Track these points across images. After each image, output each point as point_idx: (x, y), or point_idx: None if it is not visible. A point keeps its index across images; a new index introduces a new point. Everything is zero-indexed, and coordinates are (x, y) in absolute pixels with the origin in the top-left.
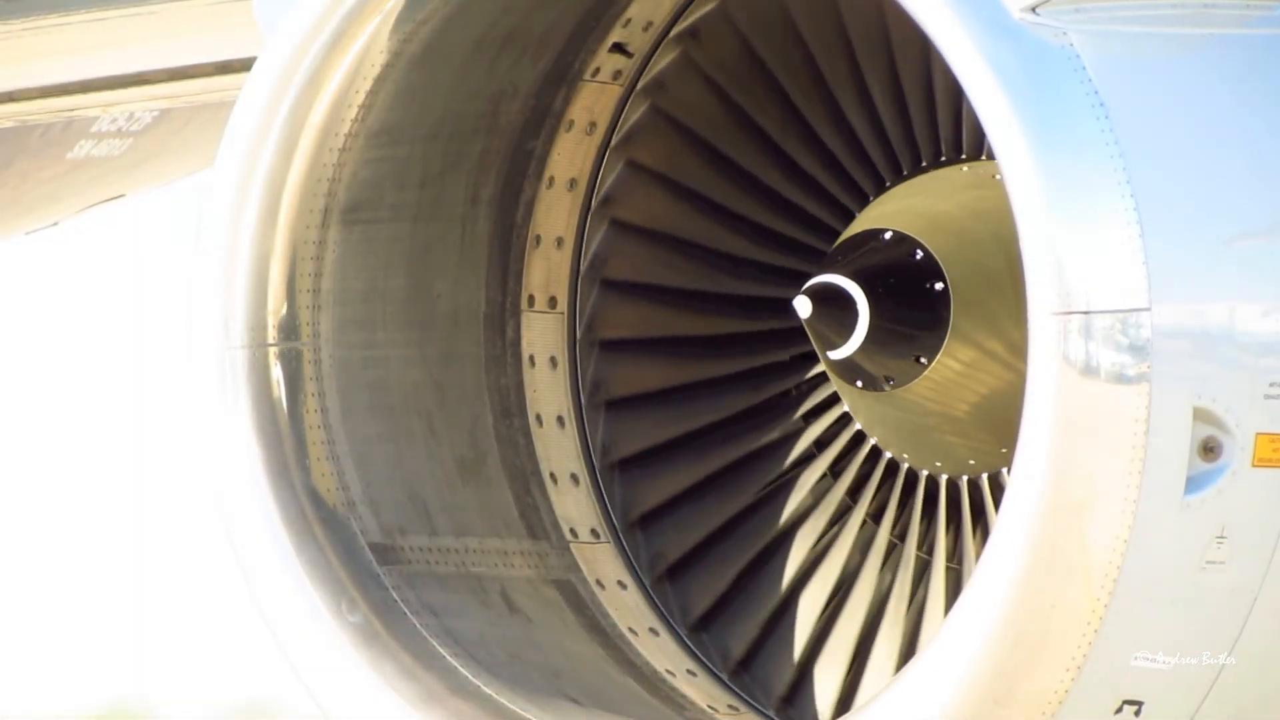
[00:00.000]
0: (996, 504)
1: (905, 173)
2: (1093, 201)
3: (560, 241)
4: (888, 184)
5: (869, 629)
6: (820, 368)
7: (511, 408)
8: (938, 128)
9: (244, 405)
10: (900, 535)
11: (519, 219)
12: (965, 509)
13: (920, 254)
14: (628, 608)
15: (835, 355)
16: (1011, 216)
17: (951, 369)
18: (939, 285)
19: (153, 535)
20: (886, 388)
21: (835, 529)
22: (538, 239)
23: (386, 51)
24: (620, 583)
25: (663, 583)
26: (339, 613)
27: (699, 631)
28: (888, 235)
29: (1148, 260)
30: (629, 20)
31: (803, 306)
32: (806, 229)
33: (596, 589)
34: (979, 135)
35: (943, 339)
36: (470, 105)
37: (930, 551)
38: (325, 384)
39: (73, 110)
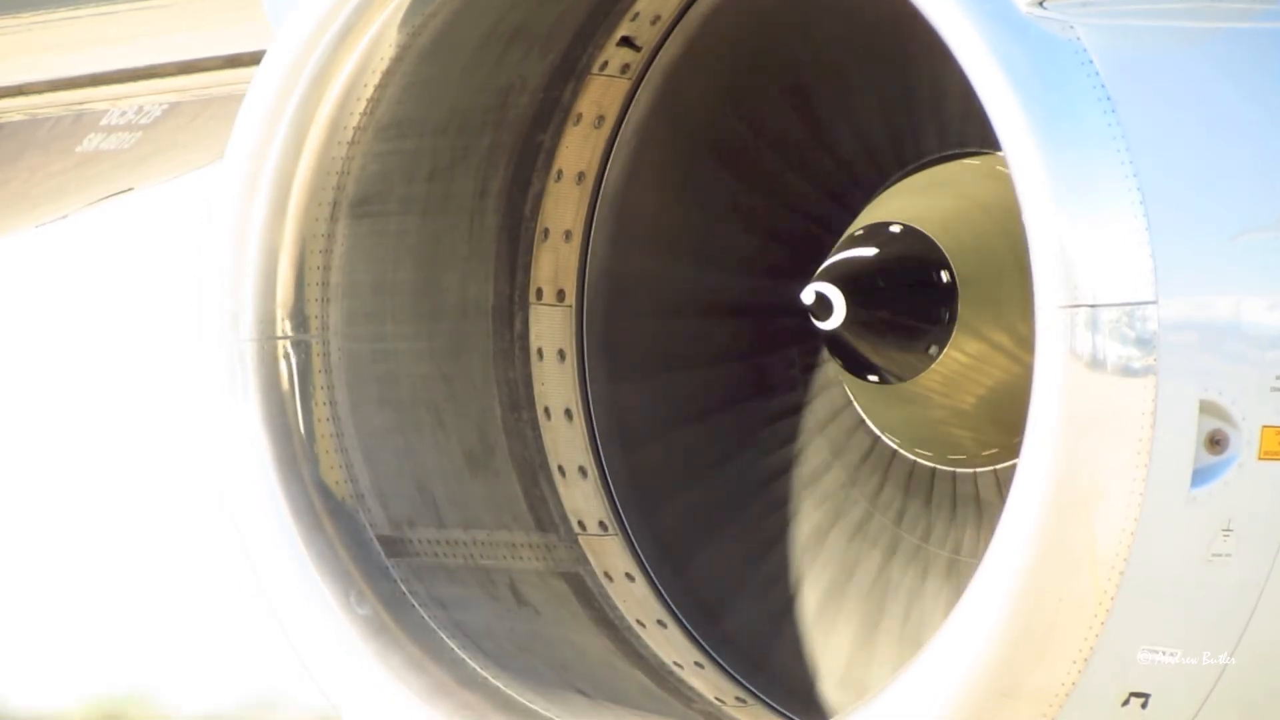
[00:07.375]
0: (1003, 497)
1: (912, 166)
2: (1099, 195)
3: (569, 234)
4: (894, 177)
5: (876, 621)
6: (825, 361)
7: (520, 400)
8: (945, 120)
9: (252, 398)
10: (905, 527)
11: (527, 212)
12: (972, 501)
13: (927, 246)
14: (636, 600)
15: (826, 326)
16: (1018, 210)
17: (959, 362)
18: (946, 278)
19: (160, 528)
20: (892, 382)
21: (840, 522)
22: (546, 232)
23: (395, 45)
24: (628, 575)
25: (671, 575)
26: (347, 605)
27: (707, 624)
28: (894, 229)
29: (1154, 254)
30: (637, 14)
31: (809, 297)
32: (816, 223)
33: (605, 581)
34: (986, 128)
35: (950, 333)
36: (479, 99)
37: (936, 544)
38: (334, 377)
39: (82, 104)
